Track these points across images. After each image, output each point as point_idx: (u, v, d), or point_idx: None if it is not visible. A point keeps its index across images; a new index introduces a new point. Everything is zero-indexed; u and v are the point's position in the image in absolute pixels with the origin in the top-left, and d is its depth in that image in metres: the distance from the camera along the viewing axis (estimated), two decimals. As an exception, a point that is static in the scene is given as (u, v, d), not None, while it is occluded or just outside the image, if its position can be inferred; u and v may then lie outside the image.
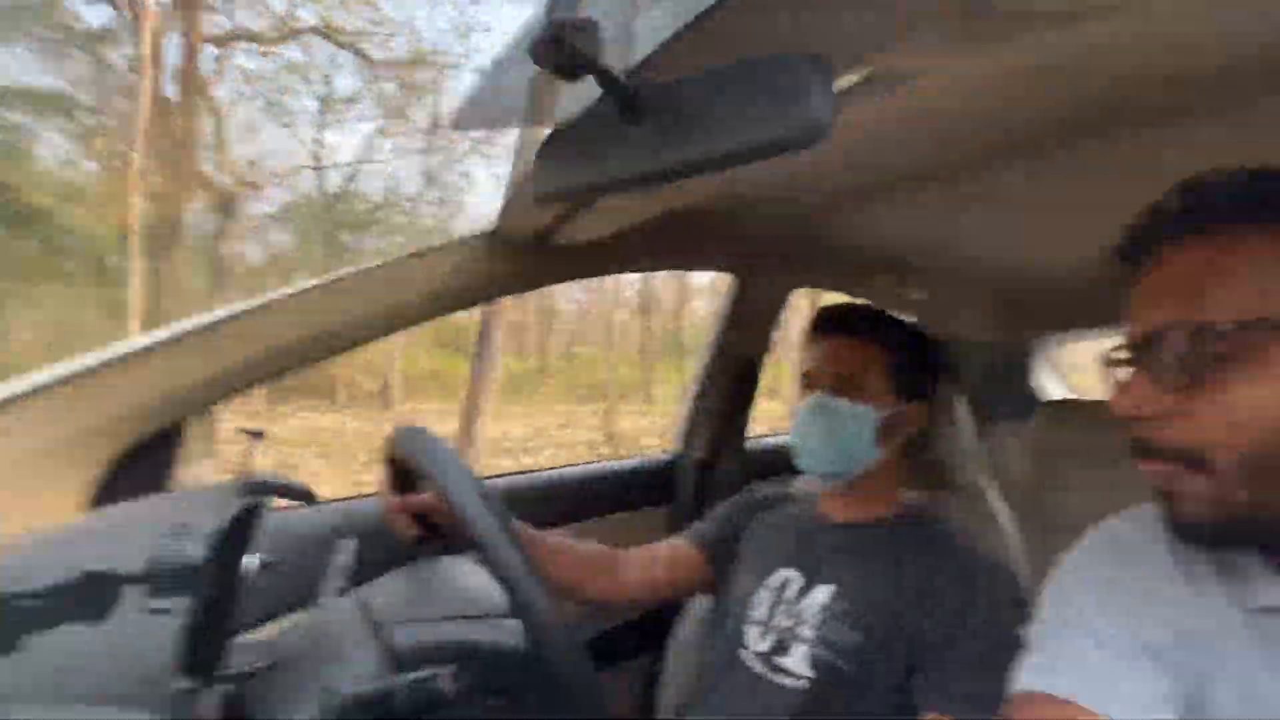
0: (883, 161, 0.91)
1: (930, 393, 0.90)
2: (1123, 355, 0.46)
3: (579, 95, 0.48)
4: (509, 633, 0.54)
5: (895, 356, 0.85)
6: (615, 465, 1.41)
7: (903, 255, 1.36)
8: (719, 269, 1.34)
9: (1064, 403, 1.63)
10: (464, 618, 0.55)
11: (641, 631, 1.30)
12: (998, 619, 0.73)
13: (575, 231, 0.87)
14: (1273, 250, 0.39)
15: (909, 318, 0.93)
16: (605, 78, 0.40)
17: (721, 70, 0.40)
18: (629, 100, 0.42)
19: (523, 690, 0.52)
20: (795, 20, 0.49)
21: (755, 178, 0.96)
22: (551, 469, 1.34)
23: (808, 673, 0.77)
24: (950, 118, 0.76)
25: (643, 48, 0.53)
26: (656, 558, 0.96)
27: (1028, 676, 0.51)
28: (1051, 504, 1.46)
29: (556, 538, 0.90)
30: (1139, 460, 0.46)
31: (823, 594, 0.81)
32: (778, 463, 1.07)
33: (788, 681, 0.78)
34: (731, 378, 1.44)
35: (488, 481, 1.21)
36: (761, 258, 1.30)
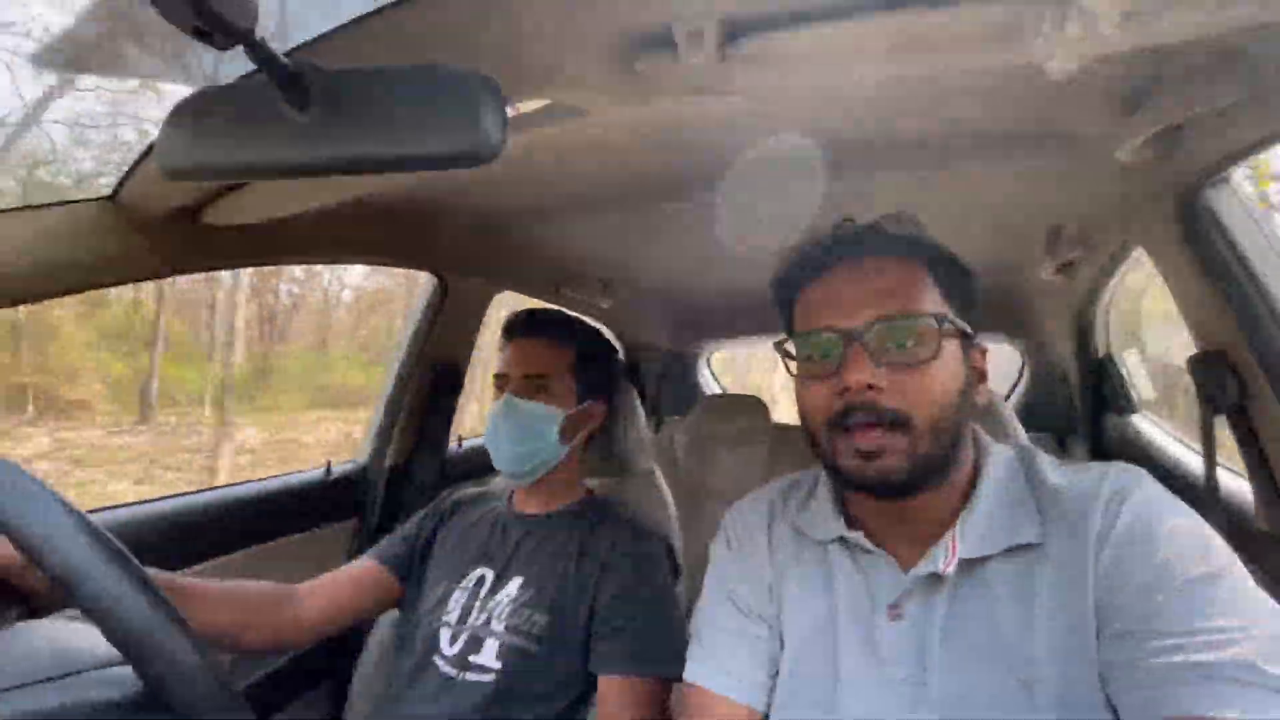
0: (572, 183, 1.00)
1: (611, 391, 1.00)
2: (831, 342, 0.55)
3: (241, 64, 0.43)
4: (116, 685, 0.44)
5: (581, 358, 0.93)
6: (295, 479, 1.25)
7: (594, 268, 1.51)
8: (419, 267, 1.29)
9: (718, 397, 1.99)
10: (45, 681, 0.43)
11: (326, 657, 1.18)
12: (661, 586, 0.86)
13: (236, 210, 0.75)
14: (930, 275, 0.56)
15: (596, 323, 1.03)
16: (257, 50, 0.36)
17: (397, 70, 0.40)
18: (294, 82, 0.39)
19: None
20: (475, 42, 0.52)
21: (450, 183, 0.96)
22: (217, 488, 1.13)
23: (496, 664, 0.80)
24: (624, 153, 0.88)
25: (317, 28, 0.50)
26: (340, 584, 0.89)
27: (687, 668, 0.62)
28: (706, 480, 1.77)
29: (207, 583, 0.76)
30: (852, 432, 0.53)
31: (513, 585, 0.85)
32: (484, 464, 1.08)
33: (477, 678, 0.80)
34: (431, 382, 1.40)
35: (138, 509, 0.98)
36: (465, 259, 1.30)
